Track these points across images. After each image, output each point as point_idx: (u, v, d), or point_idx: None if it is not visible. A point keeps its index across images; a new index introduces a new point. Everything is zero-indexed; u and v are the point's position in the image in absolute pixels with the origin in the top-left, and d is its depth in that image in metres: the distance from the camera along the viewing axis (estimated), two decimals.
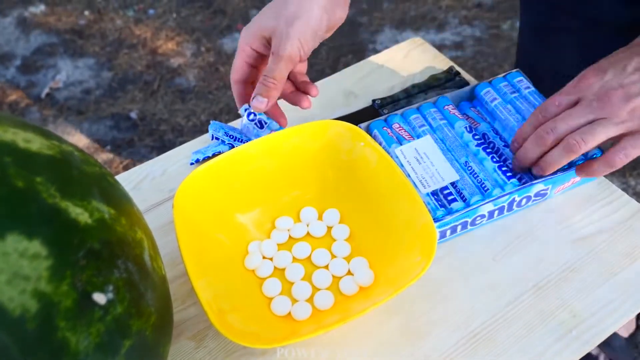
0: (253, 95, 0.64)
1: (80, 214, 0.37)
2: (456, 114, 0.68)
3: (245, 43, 0.66)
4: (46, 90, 2.06)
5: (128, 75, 2.10)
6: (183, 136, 1.85)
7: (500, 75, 0.72)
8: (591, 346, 0.56)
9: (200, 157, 0.74)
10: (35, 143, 0.39)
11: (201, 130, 1.86)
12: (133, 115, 1.96)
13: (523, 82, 0.71)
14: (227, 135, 0.75)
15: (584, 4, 0.78)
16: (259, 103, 0.63)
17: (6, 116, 0.40)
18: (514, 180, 0.62)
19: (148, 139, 1.88)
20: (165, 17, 2.30)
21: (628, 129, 0.56)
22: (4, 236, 0.32)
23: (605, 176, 0.65)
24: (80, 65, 2.15)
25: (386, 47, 0.80)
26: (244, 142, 0.71)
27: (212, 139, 0.76)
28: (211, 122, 0.76)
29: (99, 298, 0.36)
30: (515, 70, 0.73)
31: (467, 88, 0.72)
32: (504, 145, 0.66)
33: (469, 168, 0.64)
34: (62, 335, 0.34)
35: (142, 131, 1.91)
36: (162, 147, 1.82)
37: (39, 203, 0.35)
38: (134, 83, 2.07)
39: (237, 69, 0.68)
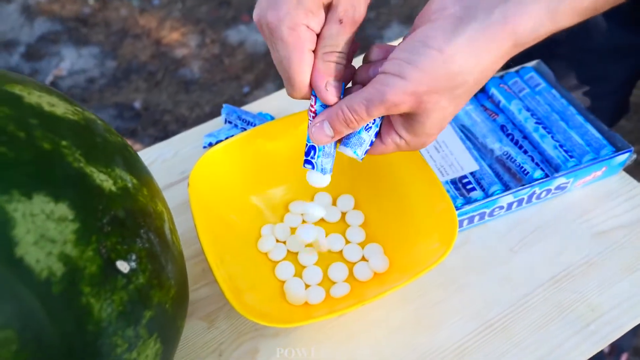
0: (323, 83, 0.44)
1: (104, 180, 0.36)
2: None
3: (295, 25, 0.43)
4: (50, 78, 2.04)
5: (132, 65, 2.09)
6: (186, 127, 1.83)
7: (512, 70, 0.72)
8: (609, 341, 0.55)
9: (213, 140, 0.73)
10: (59, 107, 0.38)
11: (205, 121, 1.84)
12: (137, 105, 1.95)
13: (534, 79, 0.70)
14: (240, 119, 0.74)
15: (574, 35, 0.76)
16: (335, 89, 0.45)
17: (29, 79, 0.39)
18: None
19: (151, 129, 1.87)
20: (170, 7, 2.29)
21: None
22: (30, 196, 0.31)
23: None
24: (84, 53, 2.14)
25: None
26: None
27: (225, 123, 0.75)
28: (224, 105, 0.75)
29: (123, 266, 0.35)
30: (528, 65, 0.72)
31: None
32: (523, 137, 0.65)
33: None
34: (87, 301, 0.33)
35: (145, 121, 1.90)
36: (166, 137, 1.81)
37: (65, 166, 0.34)
38: (138, 73, 2.06)
39: (305, 64, 0.44)
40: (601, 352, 1.29)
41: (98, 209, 0.35)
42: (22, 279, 0.30)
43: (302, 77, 0.44)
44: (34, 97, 0.37)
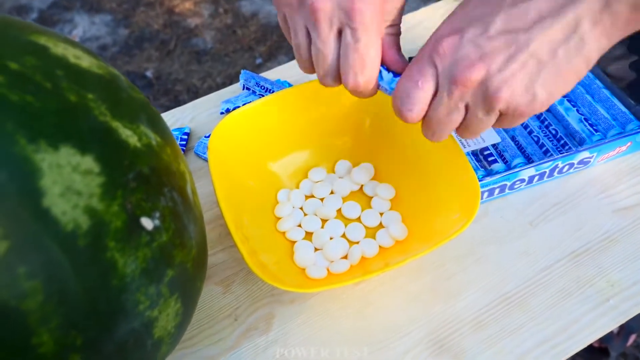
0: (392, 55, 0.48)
1: (130, 136, 0.36)
2: None
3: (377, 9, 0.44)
4: None
5: (144, 33, 2.08)
6: (198, 97, 1.82)
7: None
8: (628, 316, 0.54)
9: (231, 106, 0.72)
10: (85, 60, 0.37)
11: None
12: (149, 74, 1.94)
13: None
14: (258, 86, 0.73)
15: None
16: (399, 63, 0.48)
17: (54, 32, 0.39)
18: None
19: (163, 99, 1.86)
20: None
21: (502, 111, 0.42)
22: (57, 147, 0.31)
23: None
24: (96, 21, 2.12)
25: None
26: None
27: (243, 89, 0.74)
28: (242, 71, 0.75)
29: (147, 223, 0.35)
30: None
31: None
32: (546, 110, 0.64)
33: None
34: (111, 255, 0.32)
35: (157, 90, 1.89)
36: (177, 107, 1.80)
37: (91, 119, 0.34)
38: (150, 42, 2.05)
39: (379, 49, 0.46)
40: (610, 332, 1.29)
41: (123, 164, 0.34)
42: (48, 230, 0.30)
43: (376, 63, 0.46)
44: (59, 48, 0.36)
